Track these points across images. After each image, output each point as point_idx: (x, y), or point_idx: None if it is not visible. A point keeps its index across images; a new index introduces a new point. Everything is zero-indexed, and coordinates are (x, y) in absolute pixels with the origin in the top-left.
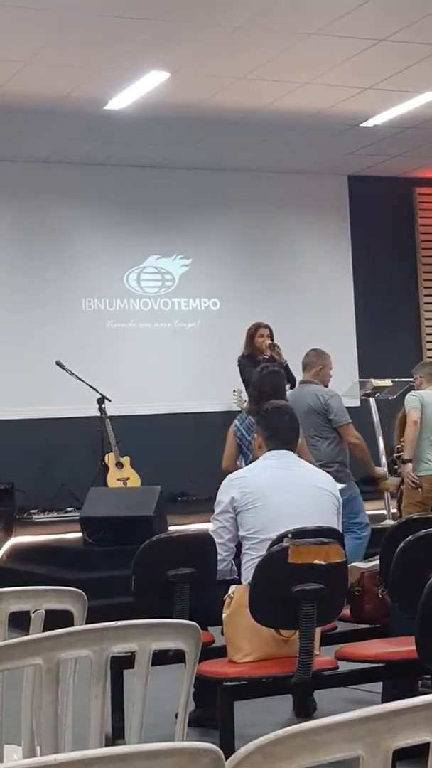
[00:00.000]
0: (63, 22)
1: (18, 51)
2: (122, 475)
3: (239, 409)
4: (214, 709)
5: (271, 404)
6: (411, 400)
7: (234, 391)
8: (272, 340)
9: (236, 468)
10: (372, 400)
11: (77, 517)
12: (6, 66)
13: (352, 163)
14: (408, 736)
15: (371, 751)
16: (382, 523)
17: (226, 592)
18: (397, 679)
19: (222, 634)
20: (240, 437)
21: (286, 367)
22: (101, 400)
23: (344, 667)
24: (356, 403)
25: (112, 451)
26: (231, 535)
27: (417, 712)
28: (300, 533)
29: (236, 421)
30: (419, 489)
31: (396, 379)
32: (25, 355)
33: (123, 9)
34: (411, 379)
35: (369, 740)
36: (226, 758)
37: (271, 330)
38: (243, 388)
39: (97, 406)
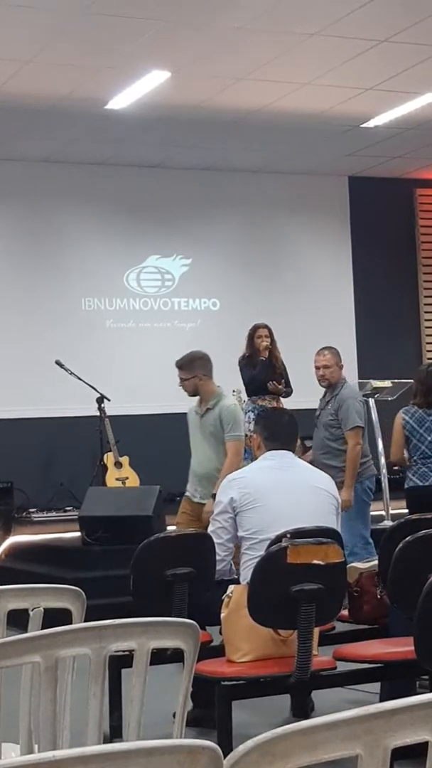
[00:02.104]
0: (64, 21)
1: (19, 50)
2: (121, 474)
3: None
4: (212, 709)
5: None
6: None
7: (234, 390)
8: (272, 339)
9: (404, 460)
10: (372, 401)
11: (76, 517)
12: (6, 65)
13: (352, 164)
14: (406, 735)
15: (369, 750)
16: (381, 523)
17: (225, 591)
18: (396, 680)
19: (220, 633)
20: (410, 430)
21: (283, 371)
22: (100, 400)
23: (342, 667)
24: None
25: (111, 451)
26: (230, 536)
27: (415, 711)
28: (299, 533)
29: (403, 414)
30: None
31: (396, 380)
32: (24, 354)
33: (124, 9)
34: (411, 380)
35: (367, 739)
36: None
37: (270, 330)
38: (243, 388)
39: (96, 405)
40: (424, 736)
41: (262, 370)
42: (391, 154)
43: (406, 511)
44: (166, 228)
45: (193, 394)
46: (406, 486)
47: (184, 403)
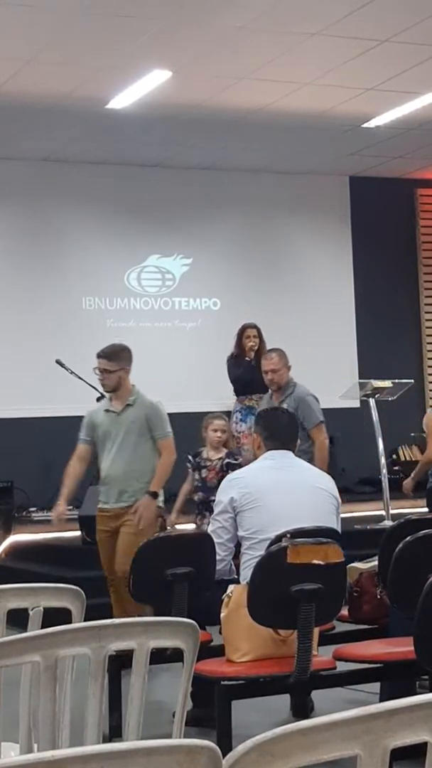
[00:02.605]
0: (65, 21)
1: (20, 50)
2: None
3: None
4: (211, 709)
5: (270, 406)
6: None
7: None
8: (261, 340)
9: None
10: (372, 401)
11: (76, 516)
12: (8, 65)
13: (353, 164)
14: (406, 735)
15: (369, 750)
16: (381, 523)
17: (225, 591)
18: (395, 680)
19: (220, 633)
20: None
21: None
22: (100, 399)
23: (342, 667)
24: (356, 404)
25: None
26: (230, 535)
27: (414, 712)
28: (299, 533)
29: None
30: None
31: (396, 380)
32: (25, 353)
33: (125, 8)
34: (411, 381)
35: (366, 739)
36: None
37: (259, 330)
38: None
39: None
40: (423, 736)
41: (246, 371)
42: (391, 154)
43: (408, 510)
44: (167, 227)
45: (113, 389)
46: (429, 486)
47: (185, 403)
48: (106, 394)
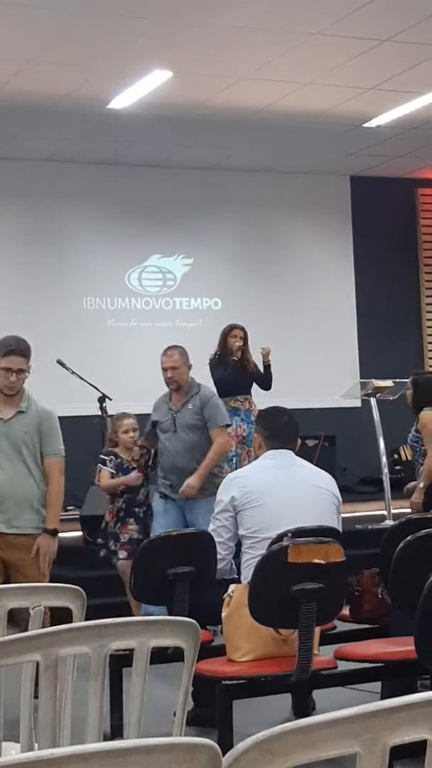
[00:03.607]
0: (66, 21)
1: (21, 50)
2: None
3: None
4: (212, 708)
5: (270, 406)
6: None
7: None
8: (245, 342)
9: None
10: (373, 401)
11: (77, 516)
12: (9, 64)
13: (354, 164)
14: (405, 733)
15: (368, 747)
16: (382, 523)
17: (226, 591)
18: (396, 679)
19: (221, 632)
20: None
21: (255, 371)
22: (102, 399)
23: (343, 666)
24: (357, 403)
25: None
26: (231, 534)
27: (414, 710)
28: (300, 532)
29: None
30: None
31: (397, 380)
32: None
33: (126, 8)
34: None
35: (366, 737)
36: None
37: (245, 332)
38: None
39: (98, 404)
40: (423, 734)
41: (233, 371)
42: (392, 153)
43: (409, 510)
44: (168, 227)
45: (16, 392)
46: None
47: None
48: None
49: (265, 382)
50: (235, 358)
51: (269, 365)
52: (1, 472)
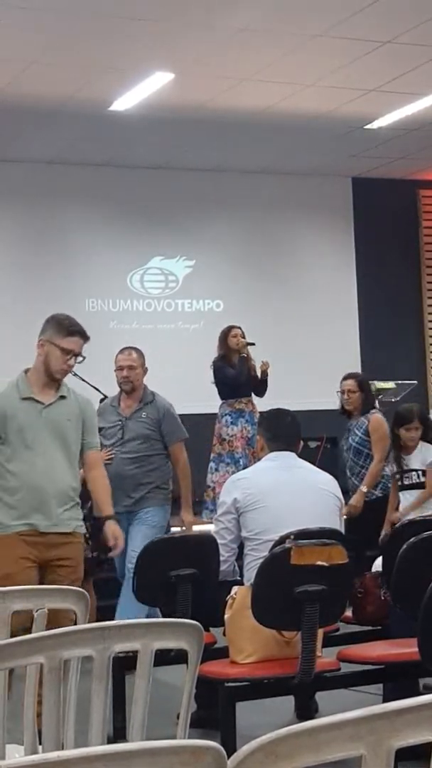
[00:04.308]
0: (67, 22)
1: (23, 52)
2: None
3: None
4: (215, 710)
5: (273, 408)
6: None
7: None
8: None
9: None
10: (375, 402)
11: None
12: (10, 66)
13: (356, 165)
14: (411, 735)
15: (373, 750)
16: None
17: (229, 593)
18: (399, 681)
19: (224, 635)
20: None
21: (254, 377)
22: (103, 401)
23: (346, 668)
24: None
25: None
26: (233, 536)
27: (420, 712)
28: (302, 534)
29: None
30: None
31: (399, 382)
32: (27, 354)
33: (127, 10)
34: (414, 382)
35: (371, 739)
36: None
37: (243, 333)
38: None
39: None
40: (428, 736)
41: (241, 368)
42: (394, 155)
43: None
44: (170, 229)
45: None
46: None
47: (186, 405)
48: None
49: (260, 389)
50: (243, 354)
51: (266, 377)
52: (40, 460)
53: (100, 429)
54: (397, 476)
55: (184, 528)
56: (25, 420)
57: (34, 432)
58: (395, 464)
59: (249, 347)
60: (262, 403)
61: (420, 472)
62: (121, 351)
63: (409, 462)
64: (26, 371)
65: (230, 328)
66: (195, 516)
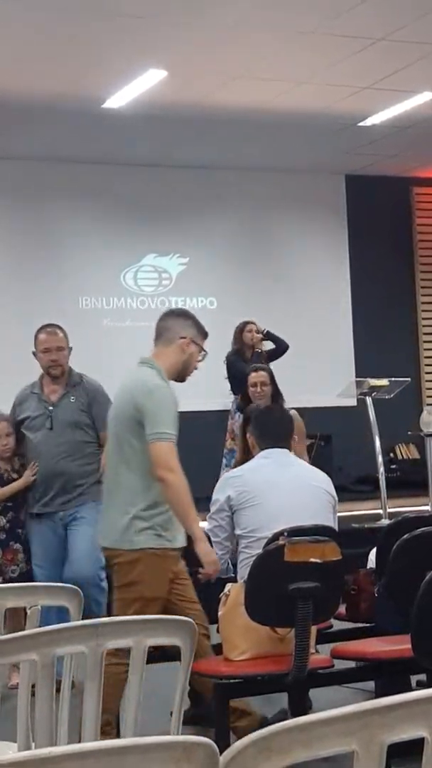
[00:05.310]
0: (60, 19)
1: (16, 48)
2: None
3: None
4: (209, 708)
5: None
6: None
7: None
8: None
9: None
10: (369, 400)
11: None
12: (4, 63)
13: (349, 162)
14: (403, 731)
15: (365, 745)
16: (379, 522)
17: (222, 590)
18: (393, 677)
19: (217, 632)
20: None
21: (267, 334)
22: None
23: (340, 665)
24: (353, 402)
25: None
26: (227, 534)
27: (412, 707)
28: (296, 531)
29: None
30: None
31: (393, 379)
32: (21, 353)
33: (121, 7)
34: (408, 379)
35: (363, 735)
36: None
37: (257, 327)
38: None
39: None
40: (420, 732)
41: (257, 361)
42: (388, 152)
43: (405, 509)
44: (163, 226)
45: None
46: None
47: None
48: None
49: (277, 352)
50: (258, 350)
51: (271, 336)
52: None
53: (24, 420)
54: None
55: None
56: None
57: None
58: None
59: (263, 342)
60: None
61: None
62: (43, 330)
63: None
64: (156, 369)
65: (245, 323)
66: (202, 512)
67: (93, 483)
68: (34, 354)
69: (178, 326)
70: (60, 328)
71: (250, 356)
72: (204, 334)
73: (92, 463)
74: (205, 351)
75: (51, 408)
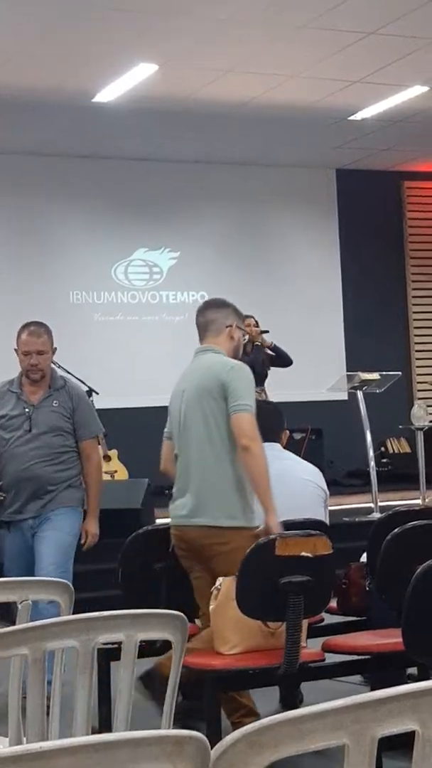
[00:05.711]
0: (50, 13)
1: (5, 43)
2: (110, 468)
3: None
4: (200, 701)
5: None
6: None
7: None
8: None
9: None
10: (360, 393)
11: None
12: None
13: (340, 157)
14: (393, 724)
15: (356, 739)
16: (370, 515)
17: (213, 584)
18: (384, 671)
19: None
20: None
21: (274, 348)
22: (89, 393)
23: (331, 659)
24: (344, 396)
25: (99, 444)
26: None
27: (402, 701)
28: (287, 525)
29: None
30: None
31: (384, 373)
32: (11, 347)
33: (111, 1)
34: (398, 373)
35: (354, 728)
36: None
37: (256, 321)
38: None
39: None
40: (411, 725)
41: (256, 357)
42: (378, 146)
43: (396, 502)
44: (154, 221)
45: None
46: None
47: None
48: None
49: (282, 360)
50: (257, 343)
51: (275, 347)
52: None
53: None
54: None
55: (85, 540)
56: None
57: None
58: None
59: (263, 335)
60: (271, 394)
61: None
62: (27, 329)
63: None
64: (224, 353)
65: (244, 317)
66: None
67: (65, 488)
68: (16, 351)
69: (221, 316)
70: (45, 328)
71: (251, 350)
72: (242, 318)
73: (68, 469)
74: (246, 332)
75: (30, 409)
